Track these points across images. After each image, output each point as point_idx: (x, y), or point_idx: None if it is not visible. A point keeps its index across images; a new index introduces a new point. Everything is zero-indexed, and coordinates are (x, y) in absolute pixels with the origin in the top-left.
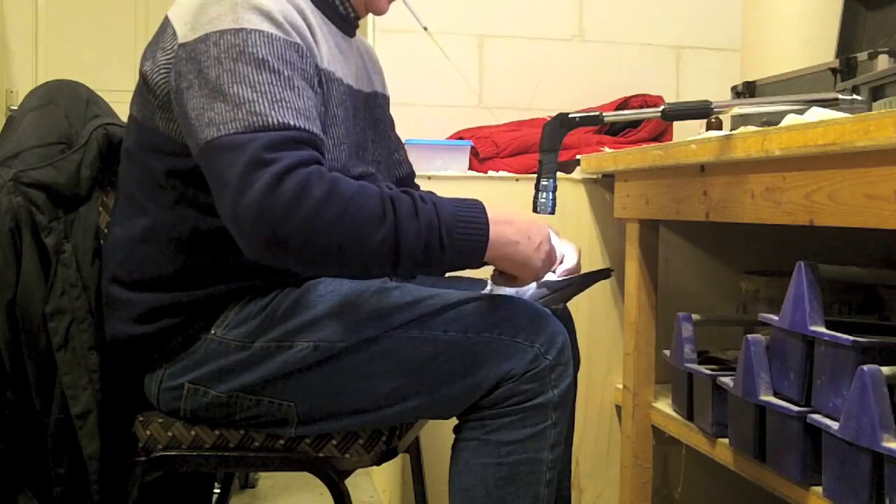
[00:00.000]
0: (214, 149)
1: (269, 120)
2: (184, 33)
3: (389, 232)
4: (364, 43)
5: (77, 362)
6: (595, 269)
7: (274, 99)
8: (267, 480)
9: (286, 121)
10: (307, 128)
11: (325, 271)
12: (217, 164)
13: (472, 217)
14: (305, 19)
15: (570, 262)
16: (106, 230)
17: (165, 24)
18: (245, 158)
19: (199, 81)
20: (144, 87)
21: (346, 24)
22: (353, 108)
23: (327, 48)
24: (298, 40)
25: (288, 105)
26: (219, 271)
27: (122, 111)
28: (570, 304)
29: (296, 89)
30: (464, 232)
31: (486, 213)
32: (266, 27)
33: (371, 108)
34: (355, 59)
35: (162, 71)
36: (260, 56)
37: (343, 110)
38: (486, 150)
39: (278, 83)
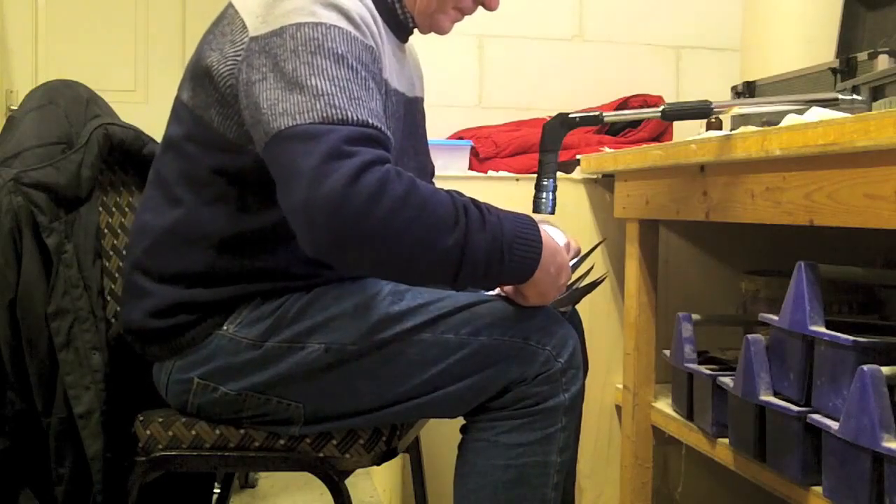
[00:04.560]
0: (288, 138)
1: (348, 114)
2: (255, 26)
3: (459, 239)
4: (411, 46)
5: (79, 362)
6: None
7: (352, 96)
8: (267, 480)
9: (364, 118)
10: (382, 128)
11: (385, 273)
12: (289, 153)
13: (530, 236)
14: (376, 24)
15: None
16: (107, 230)
17: (232, 16)
18: (324, 148)
19: (273, 74)
20: (206, 78)
21: (403, 31)
22: (403, 116)
23: (387, 56)
24: (372, 43)
25: (364, 104)
26: (240, 273)
27: (122, 111)
28: None
29: (370, 90)
30: (522, 250)
31: (540, 235)
32: (344, 24)
33: (412, 114)
34: (407, 65)
35: (230, 63)
36: (339, 52)
37: (395, 121)
38: (486, 150)
39: (355, 81)
